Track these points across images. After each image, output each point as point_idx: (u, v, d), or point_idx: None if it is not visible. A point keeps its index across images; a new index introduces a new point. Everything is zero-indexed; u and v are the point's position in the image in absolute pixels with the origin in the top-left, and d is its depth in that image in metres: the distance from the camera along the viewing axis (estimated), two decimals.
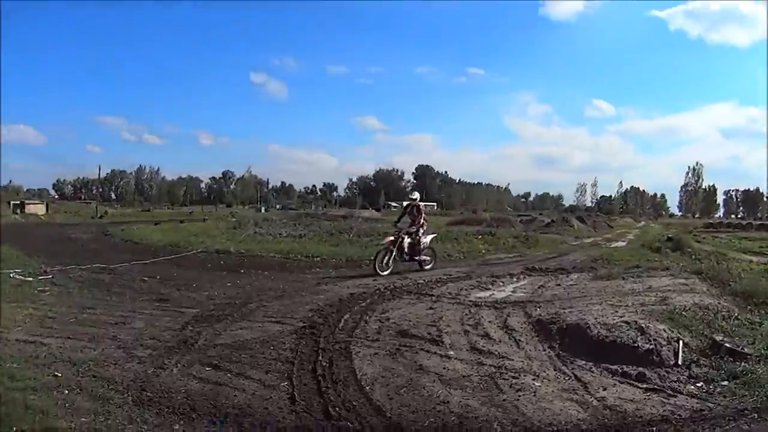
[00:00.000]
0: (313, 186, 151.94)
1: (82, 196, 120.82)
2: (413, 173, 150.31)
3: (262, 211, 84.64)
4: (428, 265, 15.79)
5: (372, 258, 15.01)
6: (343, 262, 17.95)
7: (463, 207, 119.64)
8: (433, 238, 16.66)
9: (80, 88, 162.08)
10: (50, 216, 57.21)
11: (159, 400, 5.49)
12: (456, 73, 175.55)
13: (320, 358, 6.87)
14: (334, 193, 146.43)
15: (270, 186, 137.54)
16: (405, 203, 16.92)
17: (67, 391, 5.59)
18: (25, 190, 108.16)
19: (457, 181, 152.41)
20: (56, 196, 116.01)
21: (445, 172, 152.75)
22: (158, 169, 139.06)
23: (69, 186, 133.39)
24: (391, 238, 15.19)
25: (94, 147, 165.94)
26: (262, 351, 7.20)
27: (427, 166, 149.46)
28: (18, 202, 64.14)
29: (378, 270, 14.29)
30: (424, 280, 13.30)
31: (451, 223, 41.09)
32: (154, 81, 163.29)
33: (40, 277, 13.18)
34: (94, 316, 9.16)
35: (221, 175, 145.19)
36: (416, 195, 16.33)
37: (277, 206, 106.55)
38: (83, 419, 4.97)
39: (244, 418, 5.14)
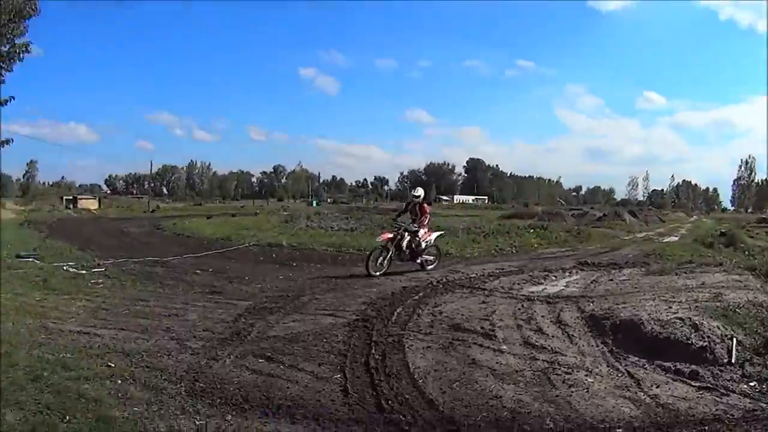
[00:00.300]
0: (364, 180, 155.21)
1: (134, 191, 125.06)
2: (464, 166, 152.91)
3: (314, 204, 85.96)
4: (431, 265, 14.58)
5: (366, 255, 14.12)
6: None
7: (514, 200, 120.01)
8: (438, 236, 15.57)
9: (131, 87, 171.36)
10: (103, 210, 59.45)
11: (212, 391, 5.66)
12: (505, 65, 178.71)
13: (373, 350, 6.98)
14: (385, 187, 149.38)
15: (321, 180, 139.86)
16: (416, 193, 14.89)
17: (120, 381, 5.82)
18: (77, 185, 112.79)
19: (508, 174, 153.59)
20: (108, 192, 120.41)
21: (496, 165, 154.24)
22: (209, 164, 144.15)
23: (121, 181, 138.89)
24: (389, 235, 13.93)
25: (145, 143, 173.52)
26: (315, 343, 7.34)
27: (478, 159, 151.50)
28: (71, 197, 66.74)
29: (370, 270, 13.21)
30: (476, 274, 13.32)
31: (503, 217, 40.86)
32: (203, 78, 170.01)
33: (93, 270, 13.74)
34: (147, 308, 9.51)
35: (272, 170, 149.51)
36: (420, 192, 14.91)
37: (329, 200, 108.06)
38: (136, 408, 5.17)
39: (297, 409, 5.24)
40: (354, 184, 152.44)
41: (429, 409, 5.24)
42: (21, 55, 14.18)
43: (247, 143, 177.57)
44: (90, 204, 63.92)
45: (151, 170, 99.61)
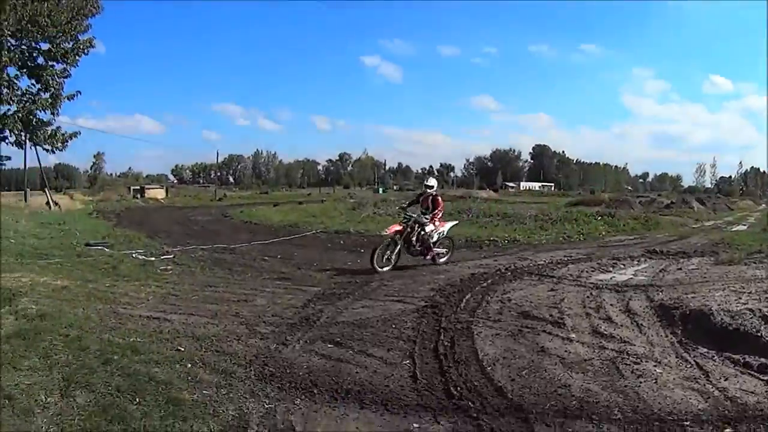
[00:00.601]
0: (430, 167, 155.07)
1: (201, 181, 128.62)
2: (530, 153, 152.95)
3: (380, 192, 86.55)
4: (443, 258, 13.54)
5: (372, 250, 12.66)
6: (463, 242, 18.13)
7: (580, 187, 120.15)
8: (452, 226, 14.38)
9: (195, 79, 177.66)
10: (170, 199, 61.34)
11: (281, 375, 5.82)
12: (570, 50, 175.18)
13: (442, 337, 7.05)
14: (451, 174, 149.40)
15: (387, 167, 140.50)
16: (430, 183, 13.69)
17: (190, 365, 6.04)
18: (144, 176, 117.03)
19: (574, 161, 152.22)
20: (175, 181, 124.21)
21: (563, 151, 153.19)
22: (275, 153, 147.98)
23: (187, 171, 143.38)
24: (398, 227, 12.81)
25: (211, 134, 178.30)
26: (384, 329, 7.46)
27: (544, 145, 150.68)
28: (138, 187, 69.14)
29: (375, 265, 12.17)
30: (544, 261, 13.24)
31: (570, 204, 40.29)
32: (267, 68, 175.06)
33: (162, 257, 14.31)
34: (216, 294, 9.82)
35: (338, 158, 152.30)
36: (433, 182, 13.75)
37: (395, 187, 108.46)
38: (206, 392, 5.36)
39: (366, 395, 5.35)
40: (420, 171, 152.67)
41: (497, 396, 5.30)
42: (85, 50, 14.88)
43: (313, 132, 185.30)
44: (157, 193, 66.00)
45: (217, 160, 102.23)
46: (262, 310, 8.58)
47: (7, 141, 14.40)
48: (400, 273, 11.96)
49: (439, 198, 13.35)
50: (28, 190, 36.90)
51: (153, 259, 13.90)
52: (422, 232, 12.83)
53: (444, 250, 13.68)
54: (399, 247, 12.66)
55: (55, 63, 14.57)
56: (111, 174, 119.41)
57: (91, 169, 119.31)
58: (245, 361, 6.22)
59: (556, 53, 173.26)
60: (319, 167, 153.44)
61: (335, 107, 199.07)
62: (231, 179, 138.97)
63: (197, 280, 11.08)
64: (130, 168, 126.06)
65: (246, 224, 26.75)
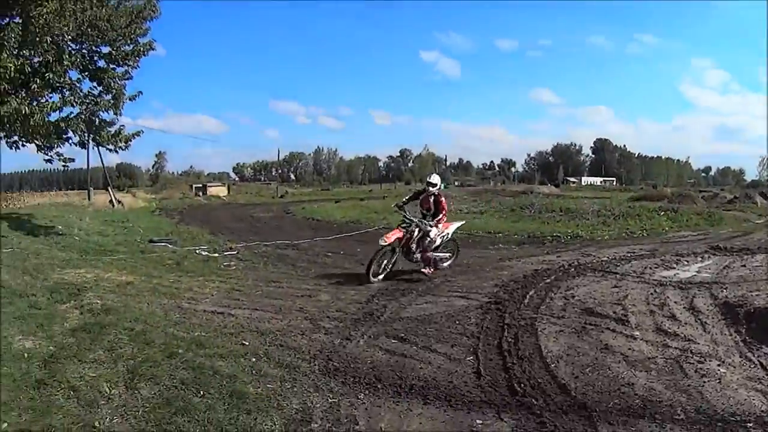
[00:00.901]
0: (491, 162, 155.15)
1: (262, 178, 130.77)
2: (591, 147, 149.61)
3: (442, 187, 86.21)
4: (446, 262, 12.07)
5: (368, 260, 11.20)
6: (525, 238, 18.27)
7: (642, 182, 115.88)
8: (458, 228, 12.76)
9: (255, 78, 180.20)
10: (232, 197, 62.46)
11: (345, 370, 5.90)
12: (626, 40, 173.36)
13: (505, 333, 7.05)
14: (512, 169, 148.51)
15: (448, 163, 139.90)
16: (432, 180, 11.91)
17: (254, 359, 6.16)
18: (206, 174, 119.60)
19: (635, 155, 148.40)
20: (236, 179, 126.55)
21: (623, 145, 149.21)
22: (336, 150, 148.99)
23: (249, 169, 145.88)
24: (398, 234, 11.22)
25: (271, 131, 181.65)
26: (448, 325, 7.49)
27: (605, 139, 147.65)
28: (200, 185, 70.67)
29: (371, 276, 10.78)
30: (607, 257, 12.99)
31: (632, 199, 39.33)
32: (327, 65, 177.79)
33: (225, 253, 14.58)
34: (279, 289, 9.97)
35: (399, 154, 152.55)
36: (436, 180, 11.92)
37: (456, 183, 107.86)
38: (270, 385, 5.45)
39: (429, 390, 5.38)
40: (481, 166, 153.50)
41: (561, 393, 5.32)
42: (145, 53, 15.35)
43: (373, 128, 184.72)
44: (219, 191, 67.32)
45: (278, 157, 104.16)
46: (326, 305, 8.69)
47: (71, 142, 14.84)
48: (464, 269, 11.93)
49: (443, 199, 11.68)
50: (92, 189, 38.02)
51: (216, 255, 14.18)
52: (425, 239, 11.40)
53: (447, 254, 12.17)
54: (397, 255, 11.30)
55: (116, 66, 14.98)
56: (173, 172, 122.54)
57: (153, 167, 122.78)
58: (309, 355, 6.31)
59: (613, 44, 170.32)
60: (380, 163, 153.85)
61: (395, 103, 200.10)
62: (292, 176, 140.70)
63: (261, 276, 11.22)
64: (191, 166, 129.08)
65: (308, 221, 27.01)
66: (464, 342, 6.79)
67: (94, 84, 14.98)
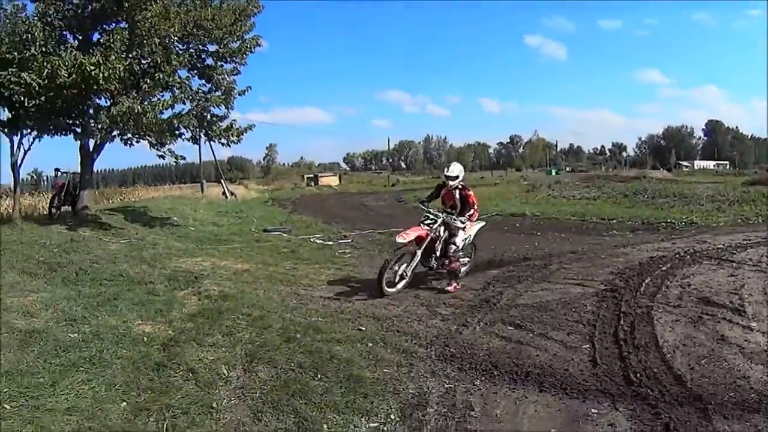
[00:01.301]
0: (601, 146, 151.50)
1: (373, 167, 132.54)
2: (703, 130, 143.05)
3: (552, 173, 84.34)
4: (464, 267, 10.06)
5: (380, 267, 8.91)
6: (639, 224, 17.72)
7: (756, 165, 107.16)
8: (480, 229, 10.54)
9: (361, 69, 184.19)
10: (343, 186, 63.76)
11: (461, 356, 5.90)
12: (733, 16, 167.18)
13: (621, 322, 6.85)
14: (623, 153, 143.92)
15: (558, 148, 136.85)
16: (451, 172, 9.75)
17: (371, 344, 6.27)
18: (316, 164, 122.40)
19: (748, 136, 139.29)
20: (347, 169, 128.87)
21: (736, 127, 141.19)
22: (445, 138, 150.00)
23: (359, 158, 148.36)
24: (419, 232, 9.10)
25: (380, 121, 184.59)
26: (564, 312, 7.34)
27: (717, 121, 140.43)
28: (311, 175, 72.40)
29: (384, 287, 8.65)
30: (723, 245, 12.12)
31: (747, 183, 36.86)
32: (432, 54, 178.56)
33: (339, 241, 14.96)
34: None
35: (508, 140, 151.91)
36: (456, 170, 9.72)
37: (567, 168, 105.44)
38: (386, 370, 5.52)
39: (545, 378, 5.31)
40: (591, 151, 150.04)
41: (676, 384, 5.16)
42: (252, 49, 15.89)
43: (481, 115, 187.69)
44: (330, 180, 68.85)
45: (389, 146, 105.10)
46: (441, 292, 8.75)
47: (183, 137, 15.58)
48: (579, 256, 11.65)
49: (470, 192, 9.72)
50: (205, 181, 39.75)
51: (331, 243, 14.55)
52: (451, 241, 9.37)
53: (466, 259, 10.28)
54: (417, 259, 9.14)
55: (223, 63, 15.60)
56: (283, 164, 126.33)
57: (263, 159, 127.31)
58: (426, 341, 6.35)
59: (719, 21, 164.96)
60: (490, 150, 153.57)
61: (502, 89, 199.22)
62: (403, 165, 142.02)
63: (375, 263, 11.27)
64: (302, 157, 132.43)
65: (418, 209, 27.00)
66: (580, 329, 6.67)
67: (203, 81, 15.67)
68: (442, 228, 9.32)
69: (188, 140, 16.15)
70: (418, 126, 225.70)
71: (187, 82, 15.24)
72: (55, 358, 5.87)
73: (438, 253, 9.34)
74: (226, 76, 15.64)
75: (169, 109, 14.61)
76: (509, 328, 6.79)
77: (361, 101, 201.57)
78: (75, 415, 4.73)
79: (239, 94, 15.89)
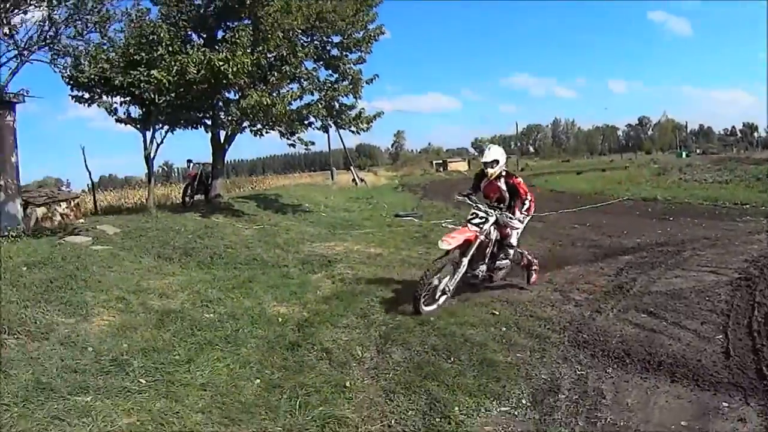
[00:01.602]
0: (732, 127, 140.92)
1: None
2: None
3: (682, 156, 79.91)
4: (501, 270, 7.89)
5: (420, 281, 6.94)
6: None
7: None
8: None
9: (486, 54, 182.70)
10: (472, 171, 63.02)
11: (594, 343, 5.75)
12: None
13: (756, 312, 6.39)
14: (755, 134, 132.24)
15: (688, 129, 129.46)
16: (489, 156, 7.82)
17: (504, 328, 6.22)
18: (444, 150, 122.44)
19: None
20: (476, 154, 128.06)
21: None
22: (573, 121, 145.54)
23: (487, 143, 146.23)
24: (468, 234, 7.23)
25: (507, 106, 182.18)
26: (697, 301, 6.96)
27: None
28: (440, 161, 72.53)
29: (422, 306, 6.78)
30: None
31: None
32: (557, 36, 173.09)
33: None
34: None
35: (637, 122, 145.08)
36: (496, 153, 7.75)
37: (697, 150, 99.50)
38: (519, 354, 5.47)
39: (677, 368, 5.07)
40: (721, 132, 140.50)
41: None
42: (376, 38, 16.01)
43: (608, 96, 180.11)
44: (459, 166, 68.76)
45: (517, 130, 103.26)
46: (575, 277, 8.52)
47: (313, 126, 15.97)
48: (713, 242, 11.00)
49: (519, 179, 7.88)
50: (334, 169, 40.53)
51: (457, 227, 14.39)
52: (506, 243, 7.73)
53: (507, 262, 7.94)
54: (463, 269, 7.20)
55: (348, 53, 15.82)
56: (411, 150, 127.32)
57: (392, 146, 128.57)
58: (559, 326, 6.24)
59: None
60: (619, 132, 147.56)
61: (628, 68, 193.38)
62: (531, 149, 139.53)
63: None
64: (429, 143, 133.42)
65: (551, 193, 26.57)
66: (713, 319, 6.29)
67: (330, 72, 15.97)
68: (493, 228, 7.52)
69: (318, 129, 16.56)
70: (545, 109, 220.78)
71: (314, 73, 15.63)
72: (191, 337, 6.23)
73: (488, 261, 7.61)
74: (351, 65, 15.85)
75: (298, 99, 15.05)
76: (642, 315, 6.55)
77: (485, 86, 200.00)
78: (209, 390, 4.99)
79: (366, 83, 16.08)
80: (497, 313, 6.76)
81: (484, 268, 7.51)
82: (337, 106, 15.89)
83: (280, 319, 6.85)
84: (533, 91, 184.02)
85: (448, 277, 7.04)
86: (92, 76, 12.55)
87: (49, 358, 5.37)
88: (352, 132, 16.50)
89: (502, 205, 7.61)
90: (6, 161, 12.02)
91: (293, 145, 16.13)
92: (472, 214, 7.45)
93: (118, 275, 8.31)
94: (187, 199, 17.70)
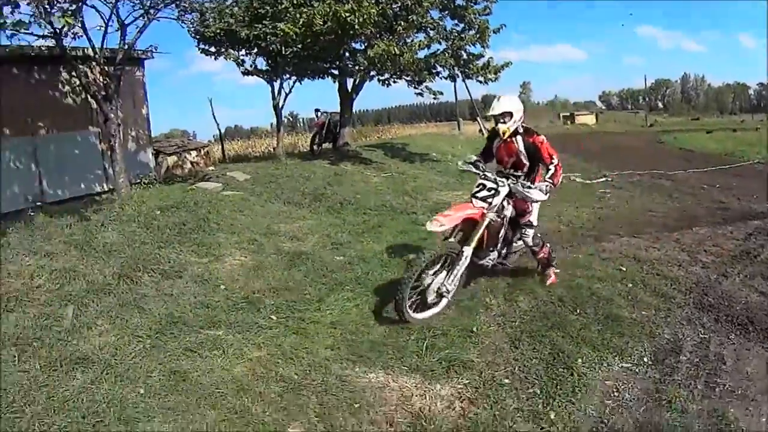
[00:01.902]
0: None
1: (629, 107, 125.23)
2: None
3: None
4: (515, 255, 6.46)
5: (401, 279, 5.37)
6: None
7: None
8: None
9: (613, 4, 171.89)
10: (600, 125, 60.99)
11: (718, 307, 5.62)
12: None
13: None
14: None
15: None
16: (498, 109, 6.14)
17: (630, 285, 6.22)
18: (572, 102, 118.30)
19: None
20: (603, 107, 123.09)
21: None
22: (703, 77, 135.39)
23: (615, 97, 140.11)
24: (470, 211, 5.65)
25: (633, 59, 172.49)
26: None
27: None
28: (567, 114, 70.37)
29: (407, 312, 5.27)
30: None
31: None
32: None
33: (599, 181, 14.56)
34: (655, 219, 9.74)
35: None
36: (508, 103, 6.15)
37: None
38: (644, 312, 5.48)
39: None
40: None
41: None
42: None
43: (740, 53, 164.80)
44: (587, 119, 66.44)
45: (645, 85, 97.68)
46: (702, 238, 8.21)
47: (440, 76, 15.91)
48: None
49: (542, 137, 6.04)
50: (461, 119, 40.06)
51: (590, 182, 14.20)
52: (525, 222, 6.13)
53: (520, 243, 6.34)
54: (465, 262, 5.47)
55: (473, 3, 15.51)
56: (538, 102, 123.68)
57: (518, 97, 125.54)
58: (685, 287, 6.14)
59: None
60: (750, 91, 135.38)
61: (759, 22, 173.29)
62: (660, 105, 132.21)
63: (636, 205, 11.06)
64: (555, 96, 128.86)
65: (681, 151, 25.23)
66: None
67: (456, 21, 15.75)
68: (507, 203, 5.88)
69: (445, 78, 16.51)
70: (673, 63, 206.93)
71: (440, 23, 15.49)
72: (322, 278, 6.64)
73: (501, 244, 6.05)
74: (478, 15, 15.59)
75: (425, 49, 15.04)
76: None
77: (613, 38, 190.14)
78: (338, 328, 5.35)
79: (494, 32, 15.79)
80: (624, 269, 6.74)
81: (495, 255, 6.00)
82: (464, 55, 15.76)
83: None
84: (662, 43, 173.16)
85: (445, 273, 5.42)
86: (218, 31, 13.18)
87: (182, 295, 5.90)
88: (480, 82, 16.33)
89: (519, 172, 6.05)
90: (137, 114, 13.00)
91: (421, 94, 16.20)
92: (478, 186, 5.89)
93: (249, 219, 8.84)
94: (315, 147, 18.25)
